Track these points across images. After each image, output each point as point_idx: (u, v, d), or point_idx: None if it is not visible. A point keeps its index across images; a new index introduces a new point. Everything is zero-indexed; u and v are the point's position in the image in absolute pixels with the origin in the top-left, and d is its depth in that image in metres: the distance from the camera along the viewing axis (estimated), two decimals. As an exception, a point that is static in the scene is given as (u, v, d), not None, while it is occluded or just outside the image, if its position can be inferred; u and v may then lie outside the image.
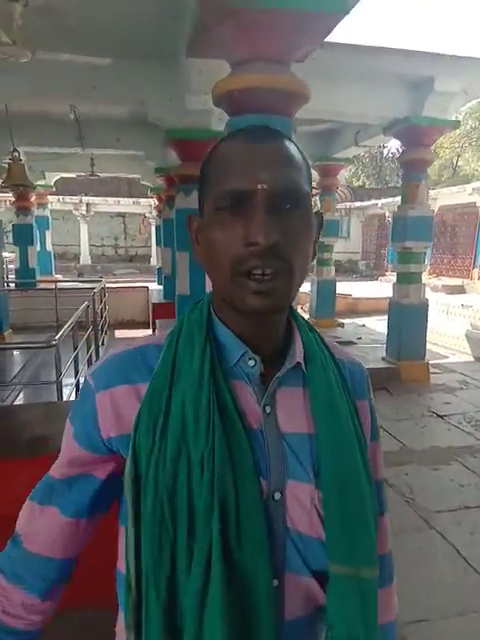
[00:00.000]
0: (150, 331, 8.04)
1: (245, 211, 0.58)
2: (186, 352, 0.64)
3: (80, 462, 0.67)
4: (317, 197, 7.97)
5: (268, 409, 0.64)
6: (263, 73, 2.12)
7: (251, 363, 0.64)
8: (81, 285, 9.39)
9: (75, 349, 4.10)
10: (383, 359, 5.81)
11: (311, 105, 3.75)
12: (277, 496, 0.61)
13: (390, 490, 3.28)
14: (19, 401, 4.75)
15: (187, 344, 0.65)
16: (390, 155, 27.92)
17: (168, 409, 0.61)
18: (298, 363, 0.66)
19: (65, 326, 3.76)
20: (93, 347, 5.44)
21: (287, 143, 0.62)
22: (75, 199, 18.37)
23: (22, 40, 2.85)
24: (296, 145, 0.64)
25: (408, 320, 5.47)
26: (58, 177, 10.08)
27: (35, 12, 2.98)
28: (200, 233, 0.65)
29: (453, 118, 5.66)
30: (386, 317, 5.91)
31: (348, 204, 19.33)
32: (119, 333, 8.48)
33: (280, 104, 2.19)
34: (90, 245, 20.21)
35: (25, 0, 2.77)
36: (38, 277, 9.31)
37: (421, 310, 5.55)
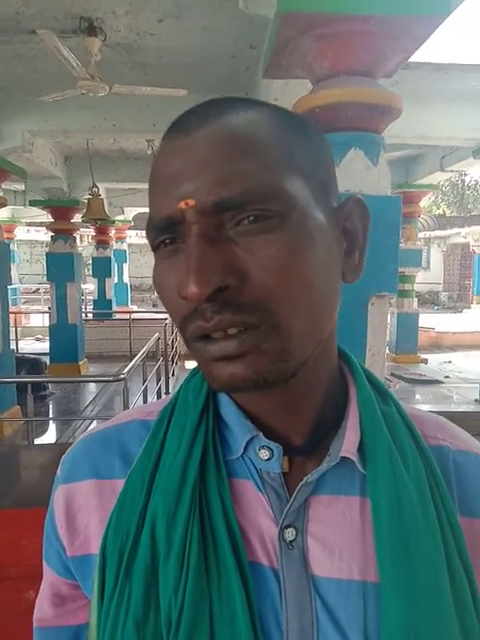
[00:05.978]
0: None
1: (182, 247, 0.36)
2: (174, 438, 0.42)
3: (60, 599, 0.47)
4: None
5: (291, 533, 0.38)
6: (349, 87, 1.91)
7: (265, 455, 0.39)
8: (155, 315, 9.57)
9: (144, 382, 4.11)
10: (477, 401, 5.23)
11: (395, 129, 3.52)
12: None
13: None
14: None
15: (177, 425, 0.43)
16: (473, 182, 26.77)
17: (138, 532, 0.39)
18: (345, 458, 0.39)
19: (134, 359, 3.77)
20: (163, 379, 5.49)
21: (241, 115, 0.36)
22: (153, 233, 19.19)
23: (100, 75, 2.87)
24: (270, 110, 0.37)
25: (506, 359, 4.90)
26: (136, 212, 10.46)
27: (112, 48, 3.02)
28: None
29: None
30: (475, 353, 5.35)
31: (428, 233, 18.56)
32: (190, 363, 8.46)
33: (368, 120, 1.96)
34: (165, 276, 20.97)
35: (104, 36, 2.80)
36: (114, 308, 9.58)
37: (521, 348, 4.96)
